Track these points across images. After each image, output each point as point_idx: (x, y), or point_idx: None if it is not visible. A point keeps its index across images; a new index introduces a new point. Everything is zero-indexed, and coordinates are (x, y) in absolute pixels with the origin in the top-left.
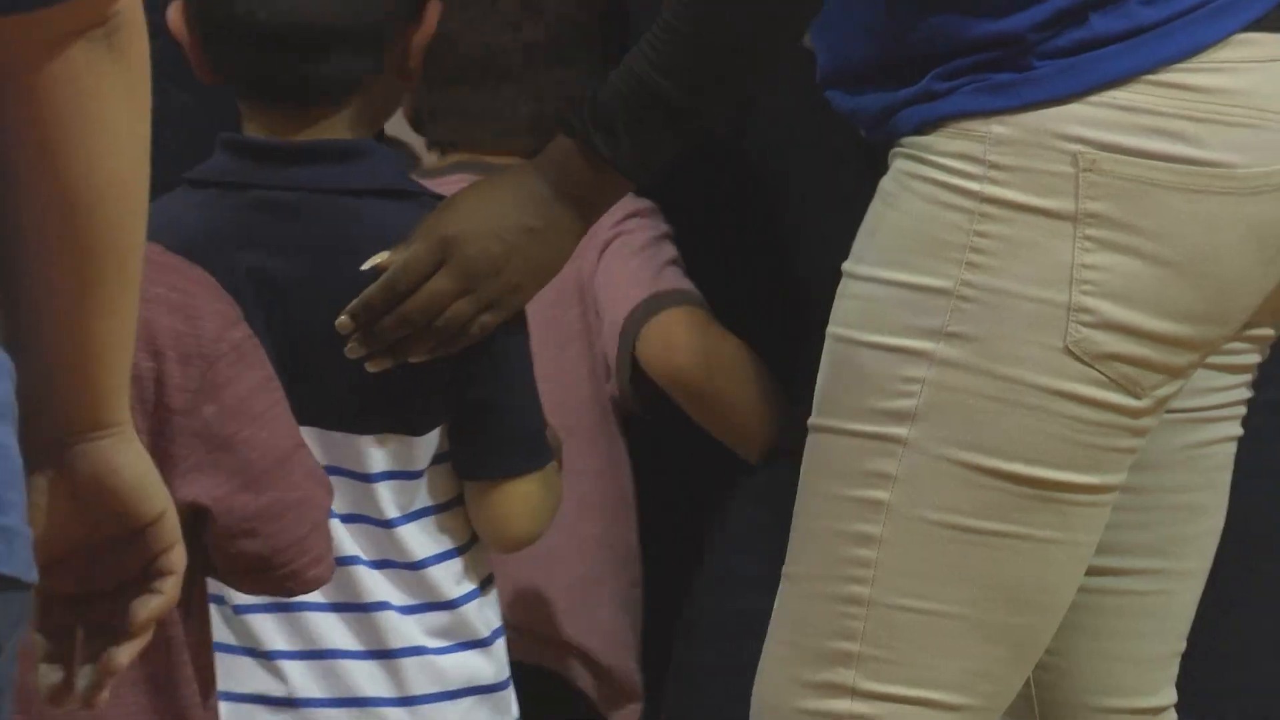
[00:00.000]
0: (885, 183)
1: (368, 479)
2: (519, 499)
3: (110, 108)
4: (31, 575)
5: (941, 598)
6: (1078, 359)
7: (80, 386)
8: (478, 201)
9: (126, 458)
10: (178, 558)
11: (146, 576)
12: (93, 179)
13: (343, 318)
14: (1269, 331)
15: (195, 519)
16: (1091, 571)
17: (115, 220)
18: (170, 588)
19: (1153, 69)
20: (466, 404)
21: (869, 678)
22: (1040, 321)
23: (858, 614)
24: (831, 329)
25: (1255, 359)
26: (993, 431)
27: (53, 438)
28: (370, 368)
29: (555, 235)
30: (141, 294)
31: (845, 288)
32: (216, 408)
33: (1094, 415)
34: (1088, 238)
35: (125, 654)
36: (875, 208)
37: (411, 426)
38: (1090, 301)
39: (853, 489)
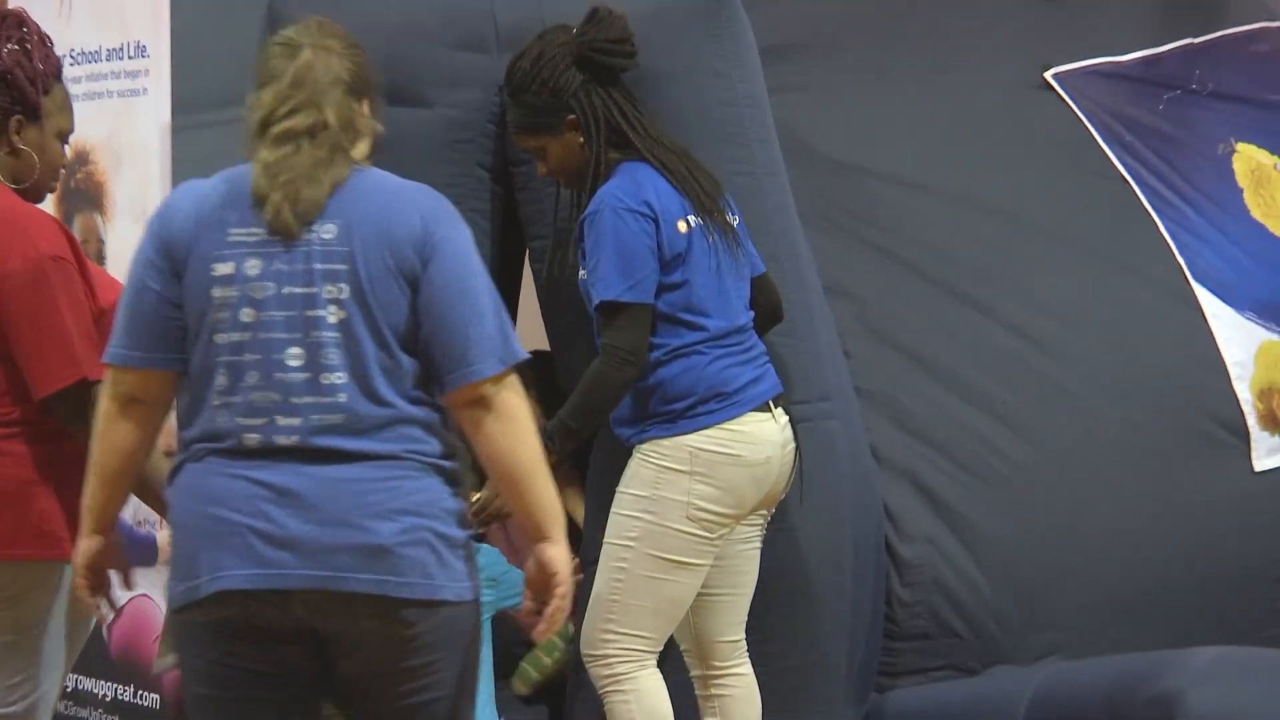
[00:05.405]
0: (629, 461)
1: None
2: None
3: (495, 429)
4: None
5: (645, 599)
6: (692, 520)
7: (524, 515)
8: None
9: (550, 552)
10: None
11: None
12: (502, 456)
13: None
14: (765, 511)
15: None
16: (703, 591)
17: (521, 469)
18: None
19: (719, 424)
20: None
21: (618, 626)
22: (679, 507)
23: (615, 602)
24: (613, 512)
25: (760, 521)
26: (663, 543)
27: (528, 535)
28: None
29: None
30: None
31: (615, 500)
32: None
33: (698, 541)
34: (695, 479)
35: None
36: (625, 471)
37: None
38: (696, 500)
39: (615, 565)
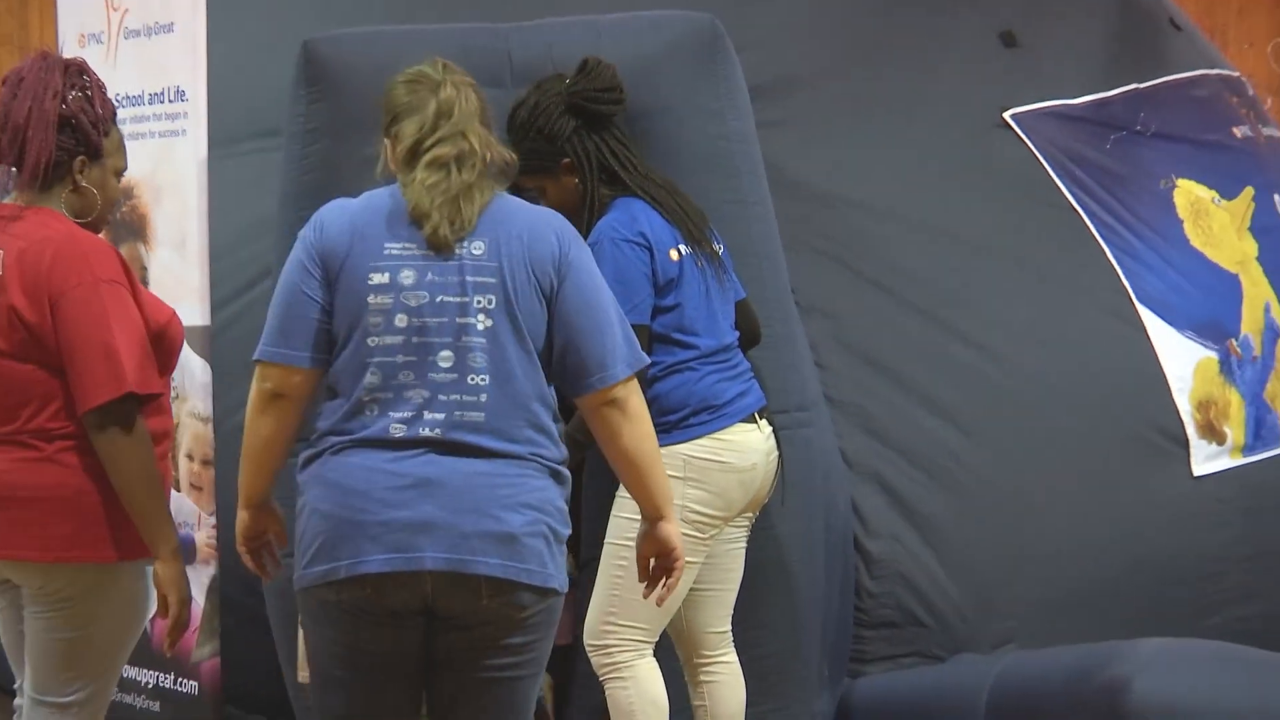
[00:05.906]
0: None
1: None
2: None
3: (625, 428)
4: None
5: (643, 593)
6: (686, 522)
7: (645, 499)
8: None
9: (667, 529)
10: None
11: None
12: (630, 450)
13: None
14: (751, 514)
15: None
16: (694, 586)
17: (645, 461)
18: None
19: (709, 434)
20: None
21: (618, 618)
22: (674, 510)
23: (615, 596)
24: (613, 514)
25: (746, 523)
26: None
27: (647, 515)
28: None
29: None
30: None
31: (615, 504)
32: None
33: (692, 541)
34: (688, 485)
35: None
36: None
37: None
38: (689, 504)
39: (616, 563)
